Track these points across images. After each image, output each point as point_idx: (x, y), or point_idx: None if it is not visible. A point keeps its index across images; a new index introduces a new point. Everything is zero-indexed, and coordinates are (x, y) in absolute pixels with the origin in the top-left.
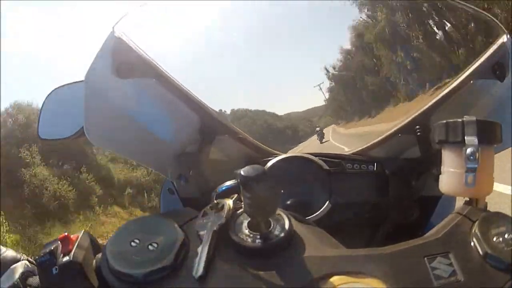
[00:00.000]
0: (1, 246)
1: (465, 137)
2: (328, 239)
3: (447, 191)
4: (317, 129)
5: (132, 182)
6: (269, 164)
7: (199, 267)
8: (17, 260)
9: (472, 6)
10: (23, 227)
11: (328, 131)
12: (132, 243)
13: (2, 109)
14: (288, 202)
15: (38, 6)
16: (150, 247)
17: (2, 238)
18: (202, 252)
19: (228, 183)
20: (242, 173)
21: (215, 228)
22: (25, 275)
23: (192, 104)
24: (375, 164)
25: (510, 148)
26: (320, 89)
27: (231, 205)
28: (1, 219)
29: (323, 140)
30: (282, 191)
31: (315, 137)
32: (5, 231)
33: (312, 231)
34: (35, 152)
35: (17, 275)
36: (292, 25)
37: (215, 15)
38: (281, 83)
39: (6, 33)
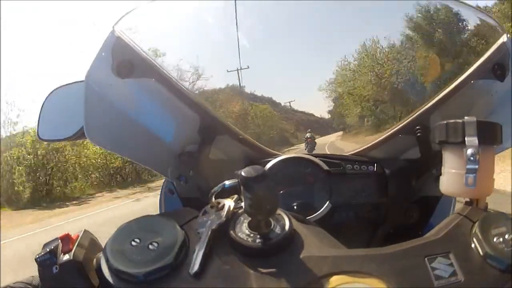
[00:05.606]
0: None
1: (466, 138)
2: (329, 239)
3: (447, 192)
4: (308, 135)
5: None
6: (269, 164)
7: (195, 264)
8: None
9: (473, 6)
10: None
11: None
12: (133, 243)
13: None
14: (288, 203)
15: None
16: (150, 246)
17: None
18: (199, 249)
19: (227, 183)
20: (242, 173)
21: (213, 227)
22: None
23: (192, 104)
24: (375, 164)
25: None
26: (290, 106)
27: (232, 205)
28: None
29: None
30: (282, 191)
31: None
32: None
33: (312, 231)
34: None
35: None
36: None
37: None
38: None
39: None
